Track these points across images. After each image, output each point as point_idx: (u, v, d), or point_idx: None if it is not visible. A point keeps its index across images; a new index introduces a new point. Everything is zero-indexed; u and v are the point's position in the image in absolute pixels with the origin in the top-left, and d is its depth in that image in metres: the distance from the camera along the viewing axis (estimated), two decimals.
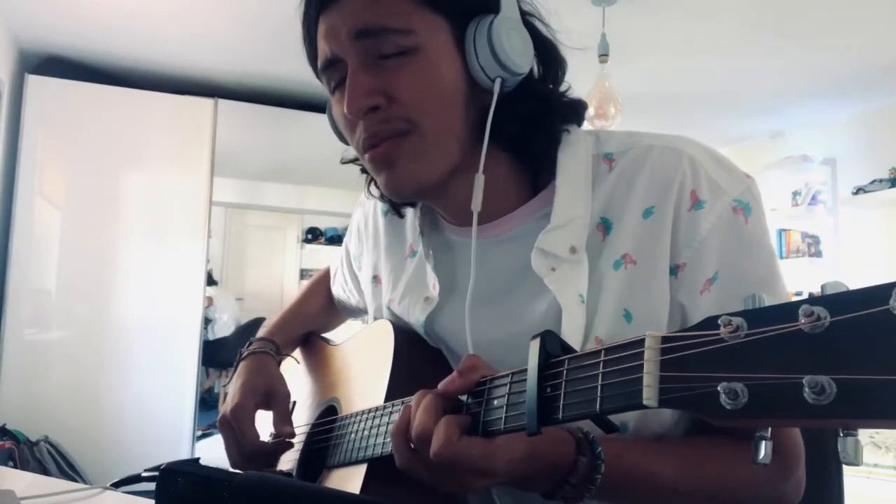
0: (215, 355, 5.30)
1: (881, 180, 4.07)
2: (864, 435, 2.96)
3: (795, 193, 4.53)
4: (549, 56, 0.76)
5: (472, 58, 0.69)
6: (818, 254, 4.42)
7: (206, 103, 3.71)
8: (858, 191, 4.17)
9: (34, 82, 3.40)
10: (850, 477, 2.75)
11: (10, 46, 3.31)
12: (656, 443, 0.69)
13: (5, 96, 3.20)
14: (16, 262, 3.33)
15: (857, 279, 3.10)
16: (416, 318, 0.83)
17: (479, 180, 0.71)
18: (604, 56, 2.81)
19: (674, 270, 0.68)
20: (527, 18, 0.74)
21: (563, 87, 0.77)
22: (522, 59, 0.70)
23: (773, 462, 0.66)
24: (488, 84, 0.70)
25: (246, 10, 2.96)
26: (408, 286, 0.86)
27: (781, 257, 4.49)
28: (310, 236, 7.39)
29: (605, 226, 0.72)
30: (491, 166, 0.71)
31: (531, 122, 0.73)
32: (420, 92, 0.68)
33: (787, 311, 0.35)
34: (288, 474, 0.91)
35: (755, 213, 0.68)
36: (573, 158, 0.74)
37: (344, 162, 0.86)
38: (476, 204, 0.71)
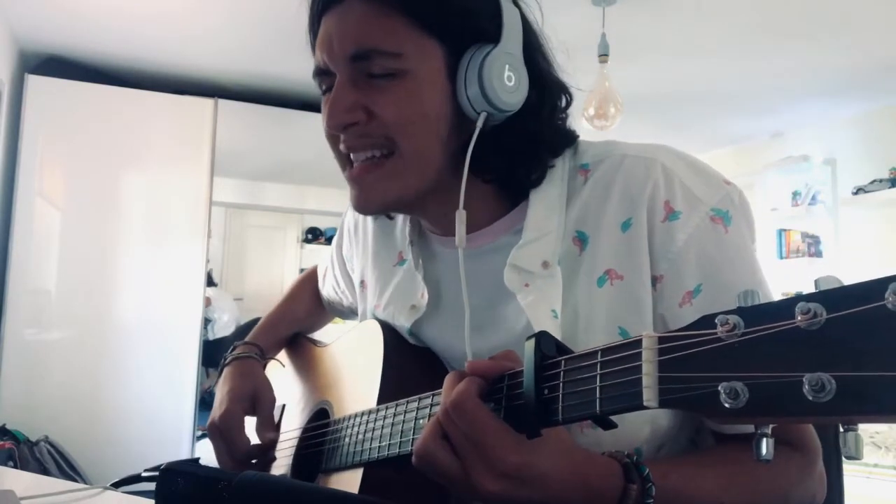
0: (215, 355, 5.27)
1: (881, 180, 4.07)
2: (865, 435, 2.96)
3: (795, 193, 4.54)
4: (549, 92, 0.73)
5: (461, 89, 0.68)
6: (818, 254, 4.42)
7: (206, 103, 3.71)
8: (858, 191, 4.17)
9: (34, 82, 3.40)
10: (850, 477, 2.74)
11: (10, 46, 3.31)
12: (694, 457, 0.69)
13: (5, 96, 3.20)
14: (16, 262, 3.33)
15: (858, 279, 3.07)
16: (400, 325, 0.82)
17: (461, 216, 0.69)
18: (604, 56, 2.81)
19: (653, 282, 0.67)
20: (530, 53, 0.72)
21: (559, 119, 0.75)
22: (513, 96, 0.68)
23: (799, 458, 0.66)
24: (474, 116, 0.69)
25: (246, 11, 2.96)
26: (394, 294, 0.86)
27: (781, 257, 4.48)
28: (310, 236, 7.36)
29: (581, 240, 0.71)
30: (470, 181, 0.70)
31: (515, 156, 0.72)
32: (400, 113, 0.68)
33: (783, 308, 0.35)
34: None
35: (736, 222, 0.66)
36: (548, 172, 0.74)
37: None
38: (460, 240, 0.69)
